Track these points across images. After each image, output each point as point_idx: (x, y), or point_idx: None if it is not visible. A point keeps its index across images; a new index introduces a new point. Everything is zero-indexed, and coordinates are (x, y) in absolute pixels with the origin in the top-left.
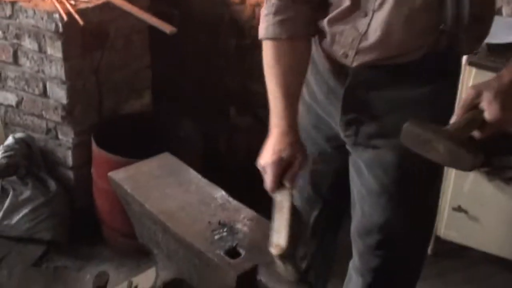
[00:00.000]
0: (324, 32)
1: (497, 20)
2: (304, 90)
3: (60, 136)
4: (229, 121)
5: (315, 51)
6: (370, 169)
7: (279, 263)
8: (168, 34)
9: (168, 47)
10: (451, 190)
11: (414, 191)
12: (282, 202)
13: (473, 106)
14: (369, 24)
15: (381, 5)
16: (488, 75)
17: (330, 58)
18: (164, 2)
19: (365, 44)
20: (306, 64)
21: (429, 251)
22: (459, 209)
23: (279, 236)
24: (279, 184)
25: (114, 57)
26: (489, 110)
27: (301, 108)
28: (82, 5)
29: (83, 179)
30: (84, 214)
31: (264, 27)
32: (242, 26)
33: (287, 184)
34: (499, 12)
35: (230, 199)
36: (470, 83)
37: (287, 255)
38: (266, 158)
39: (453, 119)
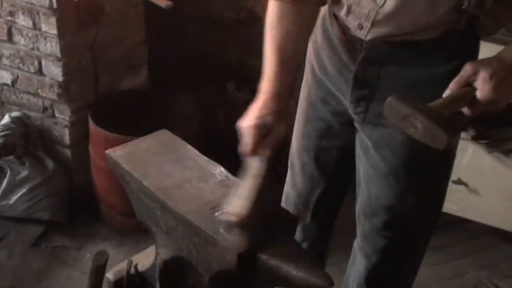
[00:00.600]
0: (340, 2)
1: None
2: (315, 64)
3: (56, 114)
4: (227, 96)
5: (330, 24)
6: (378, 149)
7: (230, 231)
8: (164, 8)
9: (165, 22)
10: None
11: (423, 173)
12: (255, 170)
13: (468, 83)
14: None
15: None
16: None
17: (345, 31)
18: None
19: (381, 16)
20: (307, 33)
21: None
22: (458, 181)
23: (240, 204)
24: (256, 150)
25: (110, 32)
26: (481, 89)
27: (311, 82)
28: None
29: (81, 158)
30: (82, 192)
31: None
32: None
33: (263, 151)
34: None
35: (229, 175)
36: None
37: (245, 224)
38: (249, 121)
39: (445, 93)
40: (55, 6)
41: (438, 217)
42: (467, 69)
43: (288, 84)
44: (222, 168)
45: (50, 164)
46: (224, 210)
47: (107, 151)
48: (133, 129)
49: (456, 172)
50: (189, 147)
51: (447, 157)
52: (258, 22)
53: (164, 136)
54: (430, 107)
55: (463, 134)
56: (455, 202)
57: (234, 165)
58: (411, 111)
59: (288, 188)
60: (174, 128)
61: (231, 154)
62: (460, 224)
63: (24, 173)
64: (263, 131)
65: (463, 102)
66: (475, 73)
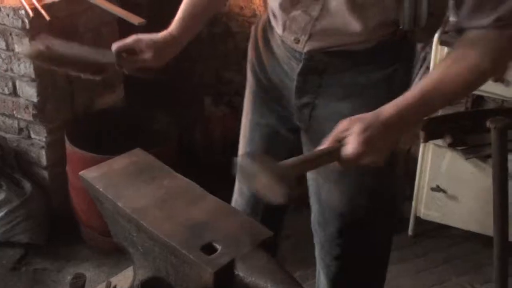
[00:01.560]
0: (276, 17)
1: None
2: (258, 71)
3: (32, 135)
4: (204, 112)
5: (271, 36)
6: None
7: None
8: (137, 25)
9: None
10: (429, 170)
11: (371, 178)
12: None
13: (340, 138)
14: (321, 9)
15: None
16: None
17: (284, 43)
18: None
19: (317, 29)
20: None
21: (409, 232)
22: (437, 188)
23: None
24: (117, 46)
25: None
26: (350, 143)
27: (255, 89)
28: (48, 0)
29: (59, 178)
30: (61, 214)
31: None
32: (214, 14)
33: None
34: None
35: (205, 193)
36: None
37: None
38: (139, 35)
39: (321, 147)
40: (27, 26)
41: (394, 221)
42: (340, 125)
43: (187, 34)
44: (197, 186)
45: (27, 186)
46: None
47: (80, 173)
48: (110, 148)
49: (435, 179)
50: (164, 166)
51: (393, 162)
52: (233, 37)
53: (138, 155)
54: (279, 166)
55: (440, 142)
56: (435, 209)
57: (211, 181)
58: (257, 169)
59: (236, 196)
60: (151, 146)
61: (208, 170)
62: (441, 230)
63: (1, 196)
64: (139, 46)
65: (331, 157)
66: (348, 129)
